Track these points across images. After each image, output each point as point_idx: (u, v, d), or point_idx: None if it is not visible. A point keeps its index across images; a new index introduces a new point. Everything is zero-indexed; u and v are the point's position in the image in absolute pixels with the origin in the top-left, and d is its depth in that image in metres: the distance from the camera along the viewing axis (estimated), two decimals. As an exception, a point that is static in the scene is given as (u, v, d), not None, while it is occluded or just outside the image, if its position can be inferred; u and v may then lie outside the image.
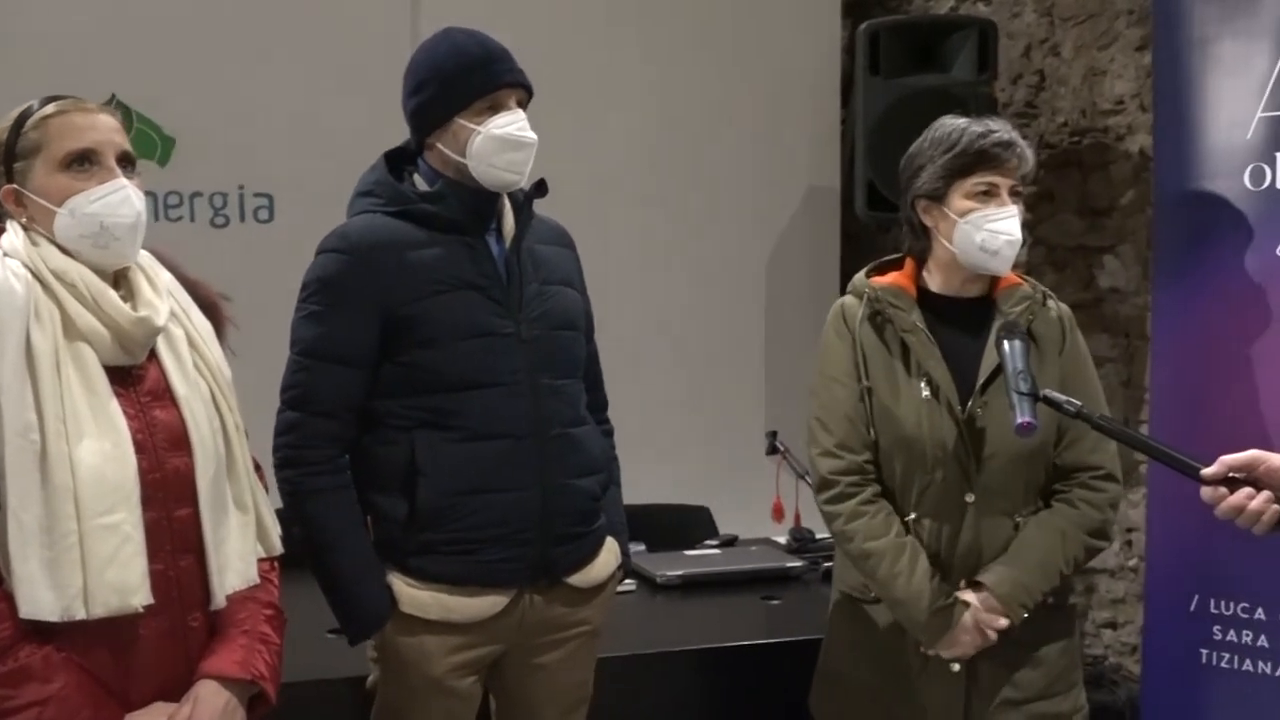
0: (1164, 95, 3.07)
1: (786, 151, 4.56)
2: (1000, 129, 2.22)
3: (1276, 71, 2.87)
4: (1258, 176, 2.88)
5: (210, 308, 1.87)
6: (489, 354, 2.14)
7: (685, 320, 4.46)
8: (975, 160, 2.21)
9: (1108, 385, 3.99)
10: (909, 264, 2.35)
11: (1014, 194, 2.24)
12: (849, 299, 2.35)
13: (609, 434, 2.44)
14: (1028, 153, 2.23)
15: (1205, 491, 1.75)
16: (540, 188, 2.28)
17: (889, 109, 3.90)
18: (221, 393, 1.79)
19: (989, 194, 2.22)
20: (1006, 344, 2.12)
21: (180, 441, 1.72)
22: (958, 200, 2.23)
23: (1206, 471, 1.74)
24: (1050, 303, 2.33)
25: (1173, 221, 3.03)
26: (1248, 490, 1.71)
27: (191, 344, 1.79)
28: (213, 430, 1.75)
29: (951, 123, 2.26)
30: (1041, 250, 4.22)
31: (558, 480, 2.21)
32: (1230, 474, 1.73)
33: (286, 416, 2.12)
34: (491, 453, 2.14)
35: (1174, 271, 3.03)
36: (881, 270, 2.39)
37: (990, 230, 2.21)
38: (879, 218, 4.02)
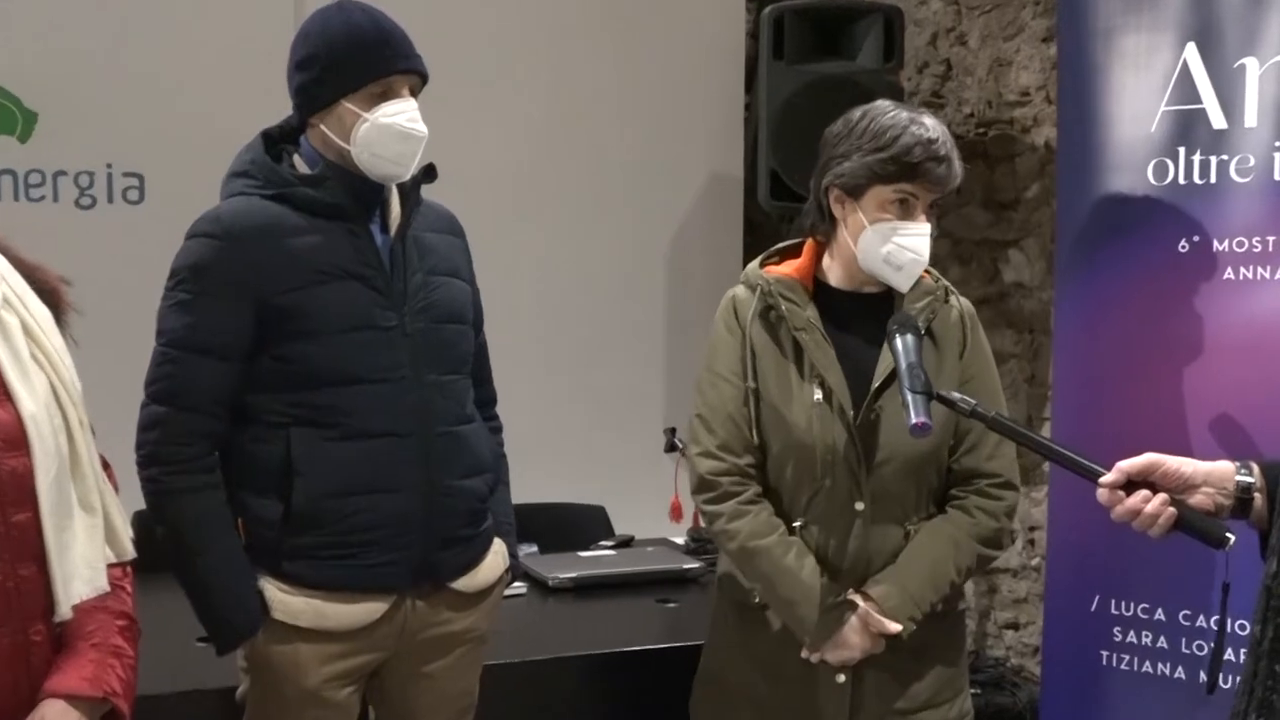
0: (1067, 88, 3.12)
1: (688, 137, 4.56)
2: (940, 138, 2.17)
3: (1180, 65, 2.94)
4: (1160, 171, 2.94)
5: (50, 293, 1.77)
6: (370, 348, 2.12)
7: (581, 312, 4.45)
8: (904, 171, 2.16)
9: (1011, 382, 4.09)
10: (809, 250, 2.33)
11: (931, 207, 2.22)
12: (741, 291, 2.33)
13: (497, 431, 2.43)
14: (958, 168, 2.20)
15: (1101, 494, 1.77)
16: (429, 173, 2.24)
17: (793, 96, 3.92)
18: (63, 386, 1.70)
19: (906, 205, 2.19)
20: (898, 339, 2.10)
21: (17, 440, 1.63)
22: (873, 204, 2.20)
23: (1104, 479, 1.75)
24: (953, 299, 2.33)
25: (1075, 216, 3.07)
26: (1144, 493, 1.74)
27: (28, 333, 1.69)
28: (53, 427, 1.66)
29: (890, 116, 2.20)
30: (946, 243, 4.28)
31: (442, 480, 2.19)
32: (1128, 479, 1.74)
33: (151, 411, 2.07)
34: (372, 452, 2.11)
35: (1076, 267, 3.08)
36: (780, 257, 2.37)
37: (898, 244, 2.19)
38: (783, 208, 4.03)
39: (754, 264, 2.36)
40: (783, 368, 2.26)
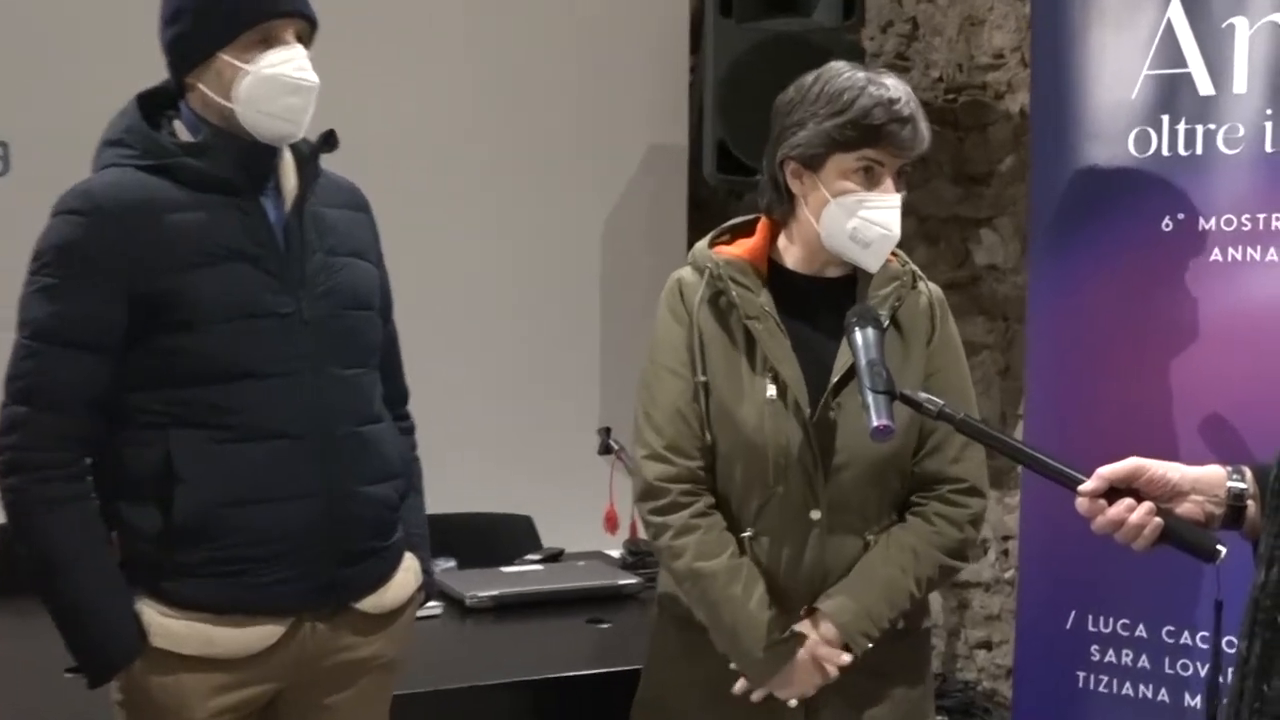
0: (1042, 49, 3.15)
1: (625, 104, 4.57)
2: (902, 98, 2.20)
3: (1164, 25, 2.96)
4: (1143, 141, 2.97)
5: None
6: (263, 338, 2.10)
7: (506, 298, 4.45)
8: (865, 135, 2.19)
9: (984, 375, 4.13)
10: (763, 229, 2.35)
11: (898, 174, 2.23)
12: (687, 274, 2.34)
13: (409, 432, 2.42)
14: (925, 130, 2.22)
15: (1081, 504, 1.78)
16: (329, 140, 2.23)
17: (742, 57, 3.94)
18: None
19: (871, 174, 2.21)
20: (858, 333, 2.11)
21: None
22: (834, 175, 2.22)
23: (1084, 487, 1.77)
24: (920, 285, 2.36)
25: (1051, 191, 3.09)
26: (1127, 502, 1.75)
27: None
28: None
29: (845, 78, 2.22)
30: (912, 221, 4.32)
31: (346, 487, 2.18)
32: (1110, 486, 1.76)
33: (11, 412, 2.03)
34: (265, 455, 2.09)
35: (1052, 247, 3.10)
36: (731, 236, 2.38)
37: (865, 219, 2.21)
38: (731, 182, 4.05)
39: (702, 244, 2.36)
40: (733, 360, 2.27)
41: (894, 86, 2.21)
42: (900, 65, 4.44)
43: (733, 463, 2.27)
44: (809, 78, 2.26)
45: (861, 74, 2.23)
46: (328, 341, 2.17)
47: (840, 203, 2.22)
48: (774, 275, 2.32)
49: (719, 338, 2.28)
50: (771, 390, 2.24)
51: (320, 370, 2.16)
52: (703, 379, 2.27)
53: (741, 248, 2.33)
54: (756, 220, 2.37)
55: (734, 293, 2.27)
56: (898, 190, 2.23)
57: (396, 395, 2.41)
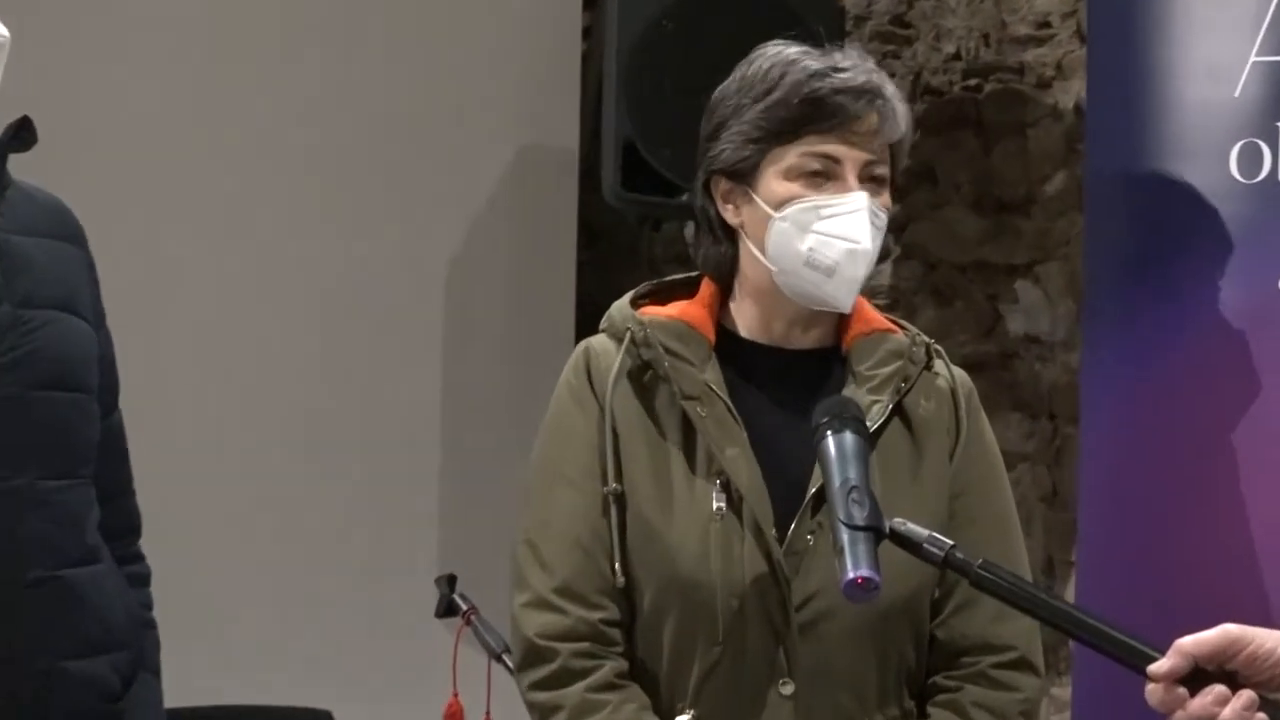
0: (1106, 18, 3.21)
1: (486, 88, 4.62)
2: (852, 64, 2.29)
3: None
4: (1250, 160, 3.01)
5: None
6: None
7: (301, 374, 4.43)
8: (805, 114, 2.27)
9: (1022, 499, 4.08)
10: (706, 289, 2.42)
11: (870, 177, 2.31)
12: (600, 342, 2.40)
13: (142, 579, 2.43)
14: (898, 105, 2.31)
15: (1153, 692, 1.79)
16: (21, 134, 2.24)
17: (661, 19, 3.96)
18: None
19: (823, 173, 2.29)
20: (829, 441, 2.11)
21: None
22: (773, 180, 2.30)
23: (1156, 667, 1.78)
24: (939, 365, 2.41)
25: (1115, 227, 3.16)
26: (1218, 692, 1.77)
27: None
28: None
29: (772, 51, 2.33)
30: (915, 267, 4.31)
31: (36, 661, 2.16)
32: (1195, 666, 1.78)
33: None
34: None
35: (1117, 311, 3.14)
36: (659, 297, 2.44)
37: (822, 233, 2.28)
38: (645, 204, 4.07)
39: (621, 302, 2.43)
40: (662, 459, 2.32)
41: (843, 56, 2.32)
42: (899, 36, 4.48)
43: (661, 612, 2.30)
44: (739, 67, 2.37)
45: (794, 47, 2.34)
46: (15, 437, 2.17)
47: (786, 215, 2.29)
48: (724, 345, 2.39)
49: (642, 427, 2.33)
50: (720, 502, 2.28)
51: (2, 481, 2.15)
52: (615, 488, 2.30)
53: (676, 309, 2.41)
54: (695, 281, 2.45)
55: (666, 364, 2.32)
56: (865, 190, 2.30)
57: (122, 523, 2.41)
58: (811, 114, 2.27)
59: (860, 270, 2.30)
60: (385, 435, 4.53)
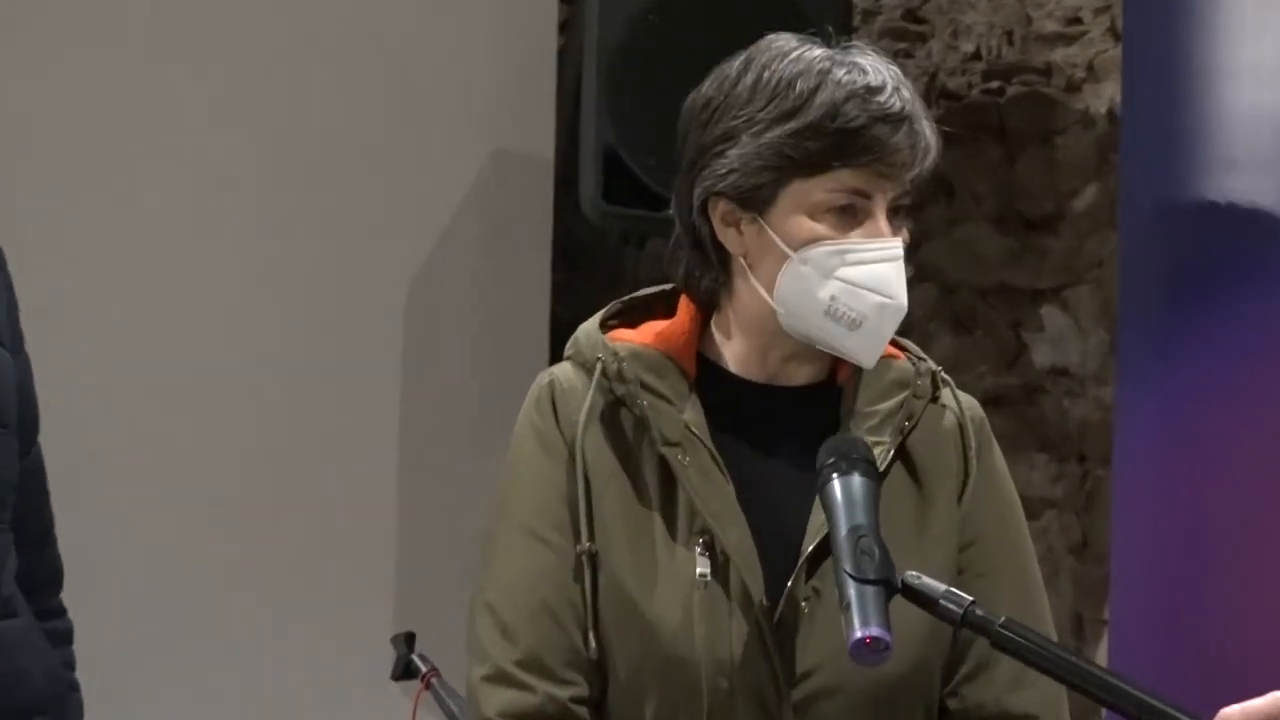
0: (1141, 17, 3.27)
1: (446, 91, 4.66)
2: (888, 83, 2.24)
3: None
4: (1309, 172, 3.10)
5: None
6: None
7: (244, 407, 4.47)
8: (838, 147, 2.22)
9: (1046, 552, 4.16)
10: (685, 311, 2.37)
11: (894, 210, 2.26)
12: (565, 373, 2.35)
13: (64, 636, 2.44)
14: (930, 135, 2.26)
15: None
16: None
17: (647, 12, 3.99)
18: None
19: (851, 210, 2.24)
20: (836, 485, 2.11)
21: None
22: (792, 215, 2.25)
23: None
24: (947, 394, 2.38)
25: (1154, 247, 3.20)
26: None
27: None
28: None
29: (794, 59, 2.26)
30: (930, 291, 4.36)
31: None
32: None
33: None
34: None
35: (1156, 341, 3.18)
36: (632, 317, 2.40)
37: (850, 281, 2.24)
38: (624, 218, 4.10)
39: (590, 325, 2.38)
40: (638, 514, 2.29)
41: (873, 68, 2.25)
42: (911, 33, 4.51)
43: (638, 690, 2.27)
44: (733, 65, 2.31)
45: (818, 51, 2.27)
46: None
47: (807, 258, 2.24)
48: (705, 378, 2.34)
49: (616, 476, 2.29)
50: (704, 566, 2.24)
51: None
52: (588, 547, 2.26)
53: (652, 333, 2.36)
54: (674, 295, 2.41)
55: (644, 403, 2.29)
56: (896, 233, 2.26)
57: (42, 573, 2.44)
58: (847, 147, 2.21)
59: (889, 327, 2.27)
60: (337, 477, 4.55)
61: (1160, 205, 3.21)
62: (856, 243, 2.23)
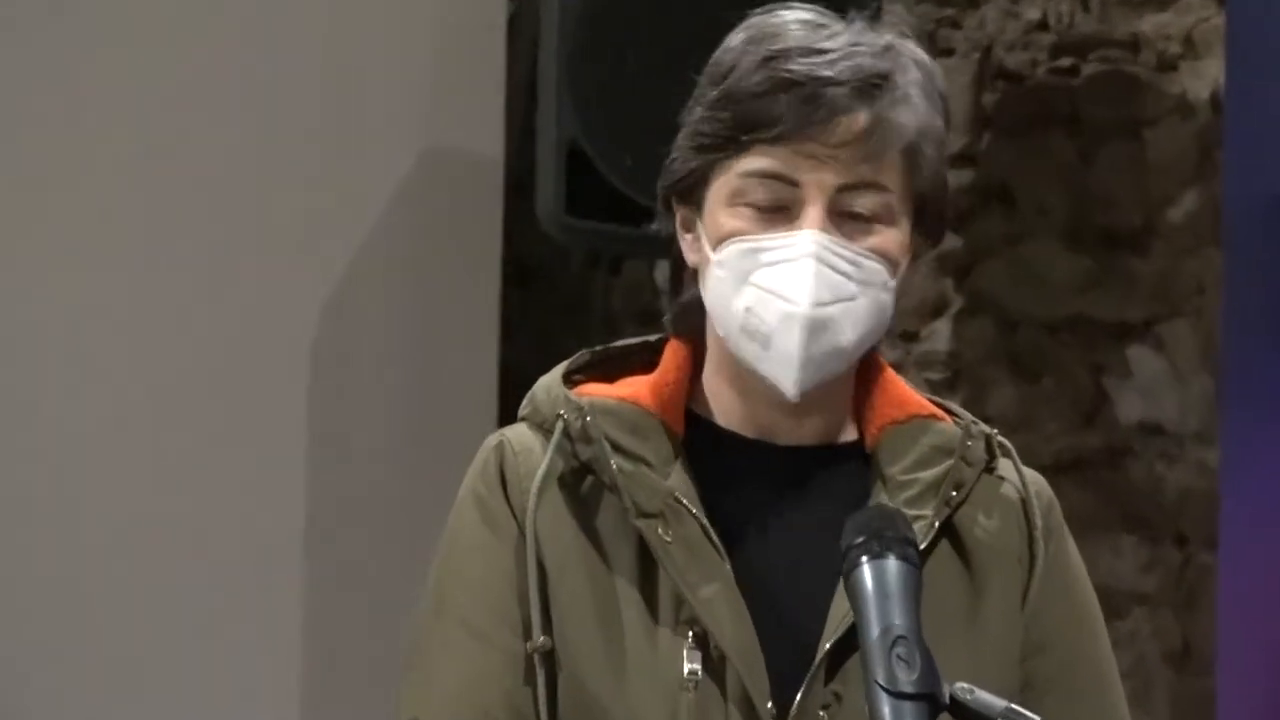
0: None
1: (374, 77, 4.73)
2: (845, 44, 2.27)
3: None
4: None
5: None
6: None
7: (125, 465, 4.52)
8: (749, 115, 2.27)
9: (1140, 664, 4.16)
10: (673, 360, 2.41)
11: (847, 213, 2.28)
12: (519, 435, 2.38)
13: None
14: (912, 93, 2.28)
15: None
16: None
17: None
18: None
19: (782, 205, 2.28)
20: (866, 570, 2.09)
21: None
22: (717, 208, 2.31)
23: None
24: (1004, 466, 2.39)
25: (1266, 272, 3.25)
26: None
27: None
28: None
29: (759, 19, 2.34)
30: (985, 325, 4.37)
31: None
32: None
33: None
34: None
35: (1269, 391, 3.25)
36: (605, 370, 2.43)
37: (760, 286, 2.28)
38: (597, 235, 4.11)
39: (551, 378, 2.41)
40: (609, 601, 2.30)
41: (848, 34, 2.28)
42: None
43: None
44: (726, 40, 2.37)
45: (791, 12, 2.32)
46: None
47: (722, 259, 2.29)
48: (697, 439, 2.36)
49: (581, 557, 2.30)
50: (693, 664, 2.24)
51: None
52: (543, 642, 2.26)
53: (629, 387, 2.38)
54: (659, 345, 2.43)
55: (614, 465, 2.28)
56: (850, 240, 2.27)
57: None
58: (755, 116, 2.26)
59: (801, 343, 2.27)
60: (228, 568, 4.60)
61: (1276, 215, 3.24)
62: (768, 237, 2.28)
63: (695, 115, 2.31)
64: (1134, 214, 4.31)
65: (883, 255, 2.27)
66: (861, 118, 2.24)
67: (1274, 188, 3.20)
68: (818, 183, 2.25)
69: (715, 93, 2.28)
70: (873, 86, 2.24)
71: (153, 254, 4.60)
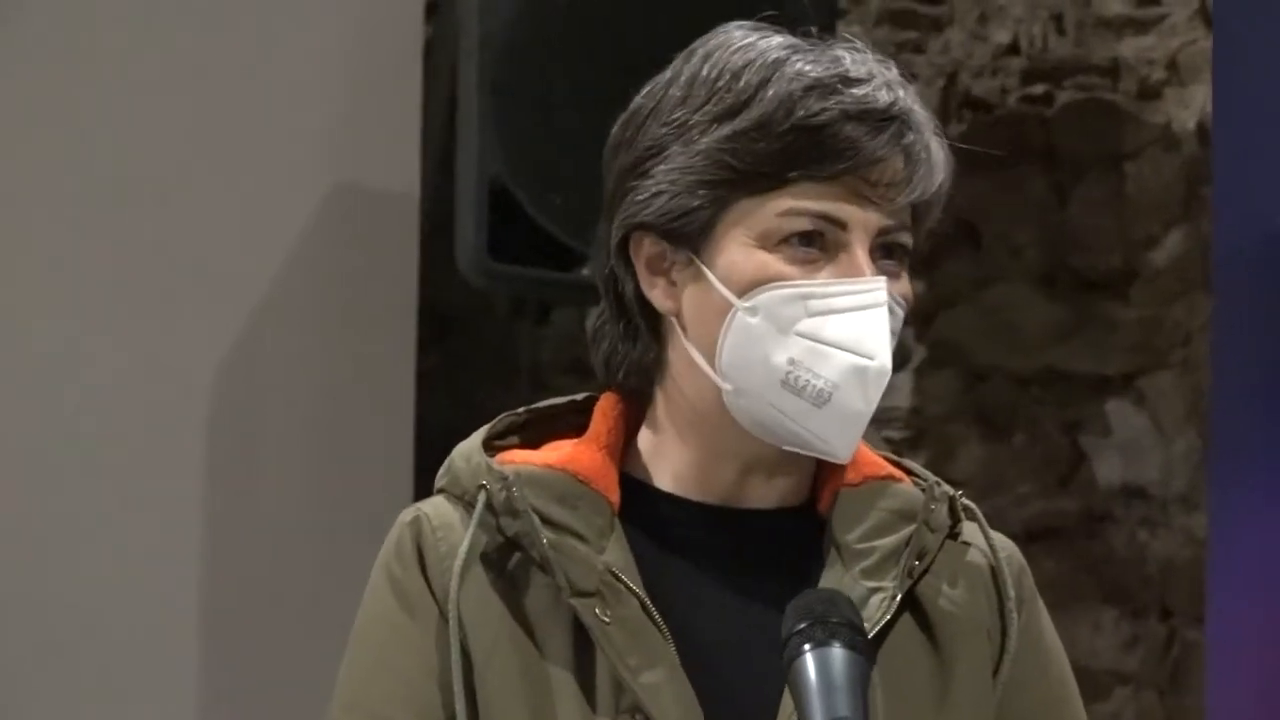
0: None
1: (278, 107, 4.69)
2: (874, 76, 2.24)
3: None
4: None
5: None
6: None
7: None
8: (798, 150, 2.22)
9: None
10: (604, 419, 2.39)
11: (885, 251, 2.26)
12: (437, 509, 2.35)
13: None
14: (939, 150, 2.27)
15: None
16: None
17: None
18: None
19: (820, 242, 2.24)
20: (809, 660, 2.07)
21: None
22: (737, 248, 2.26)
23: None
24: (971, 529, 2.37)
25: (1260, 320, 3.19)
26: None
27: None
28: None
29: (743, 41, 2.30)
30: (950, 379, 4.32)
31: None
32: None
33: None
34: None
35: (1262, 451, 3.19)
36: (531, 435, 2.41)
37: (814, 338, 2.23)
38: (523, 281, 4.03)
39: (471, 444, 2.38)
40: (539, 689, 2.30)
41: (854, 60, 2.25)
42: (923, 17, 4.44)
43: None
44: (673, 65, 2.32)
45: (778, 39, 2.29)
46: None
47: (757, 305, 2.25)
48: (637, 506, 2.34)
49: (510, 643, 2.29)
50: None
51: None
52: None
53: (558, 452, 2.35)
54: (588, 404, 2.41)
55: (545, 541, 2.23)
56: (887, 277, 2.24)
57: None
58: (808, 149, 2.20)
59: (869, 399, 2.23)
60: (120, 646, 4.54)
61: (1271, 256, 3.18)
62: (824, 283, 2.24)
63: (696, 145, 2.24)
64: (1114, 256, 4.30)
65: (905, 301, 2.27)
66: (900, 157, 2.22)
67: (1267, 226, 3.21)
68: (864, 223, 2.23)
69: (736, 123, 2.21)
70: (906, 121, 2.22)
71: (46, 297, 4.56)
